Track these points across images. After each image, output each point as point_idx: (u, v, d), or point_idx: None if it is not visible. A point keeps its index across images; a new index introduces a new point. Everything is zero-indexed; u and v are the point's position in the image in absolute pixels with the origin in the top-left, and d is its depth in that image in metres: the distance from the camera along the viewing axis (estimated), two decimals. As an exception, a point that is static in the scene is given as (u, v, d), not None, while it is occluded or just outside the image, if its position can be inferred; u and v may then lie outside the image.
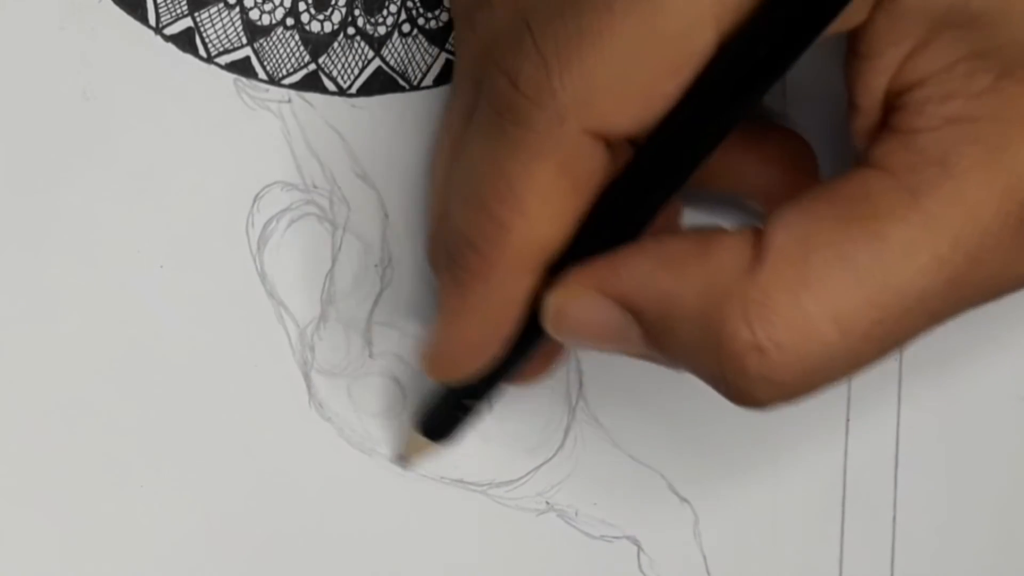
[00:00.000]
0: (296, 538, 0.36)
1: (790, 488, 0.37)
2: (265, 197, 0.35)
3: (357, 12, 0.35)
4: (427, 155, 0.36)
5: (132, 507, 0.35)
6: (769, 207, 0.33)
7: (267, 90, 0.35)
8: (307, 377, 0.36)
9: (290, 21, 0.35)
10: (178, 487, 0.35)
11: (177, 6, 0.35)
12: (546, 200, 0.28)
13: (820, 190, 0.28)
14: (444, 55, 0.35)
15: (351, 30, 0.35)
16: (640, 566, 0.37)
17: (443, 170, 0.32)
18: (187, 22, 0.35)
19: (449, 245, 0.30)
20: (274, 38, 0.35)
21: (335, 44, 0.35)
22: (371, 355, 0.36)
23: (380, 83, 0.35)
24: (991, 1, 0.27)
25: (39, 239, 0.35)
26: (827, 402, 0.35)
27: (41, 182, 0.35)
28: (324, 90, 0.35)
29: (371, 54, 0.35)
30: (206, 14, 0.35)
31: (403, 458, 0.36)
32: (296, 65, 0.35)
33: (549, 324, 0.30)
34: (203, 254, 0.35)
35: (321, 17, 0.35)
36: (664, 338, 0.28)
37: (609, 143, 0.28)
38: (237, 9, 0.35)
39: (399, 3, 0.35)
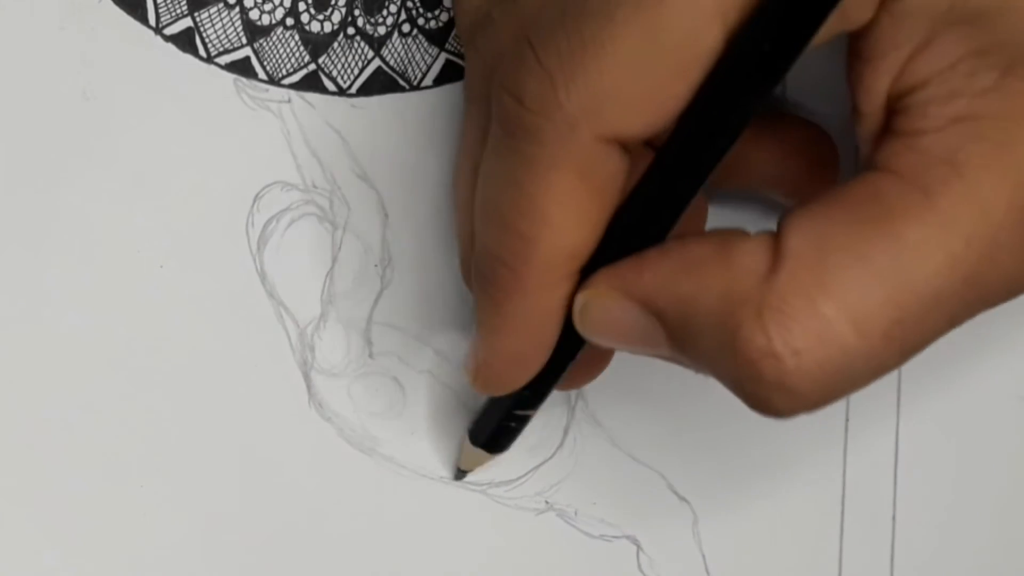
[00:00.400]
0: (296, 538, 0.36)
1: (790, 487, 0.37)
2: (265, 197, 0.35)
3: (357, 12, 0.35)
4: (428, 155, 0.36)
5: (132, 507, 0.35)
6: (794, 200, 0.33)
7: (267, 90, 0.35)
8: (307, 377, 0.36)
9: (290, 21, 0.35)
10: (178, 487, 0.35)
11: (177, 6, 0.35)
12: (568, 209, 0.28)
13: (832, 194, 0.28)
14: (444, 55, 0.35)
15: (351, 30, 0.35)
16: (639, 565, 0.37)
17: (464, 193, 0.32)
18: (187, 22, 0.35)
19: (480, 265, 0.30)
20: (274, 38, 0.35)
21: (335, 44, 0.35)
22: (371, 355, 0.36)
23: (380, 83, 0.35)
24: None
25: (39, 239, 0.35)
26: (827, 401, 0.35)
27: (41, 182, 0.35)
28: (324, 90, 0.35)
29: (371, 54, 0.35)
30: (206, 14, 0.35)
31: (461, 471, 0.36)
32: (296, 65, 0.35)
33: (577, 324, 0.30)
34: (203, 254, 0.35)
35: (321, 17, 0.35)
36: (686, 342, 0.28)
37: (625, 147, 0.28)
38: (237, 9, 0.35)
39: (399, 3, 0.35)
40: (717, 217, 0.35)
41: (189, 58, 0.35)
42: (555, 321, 0.30)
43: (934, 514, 0.37)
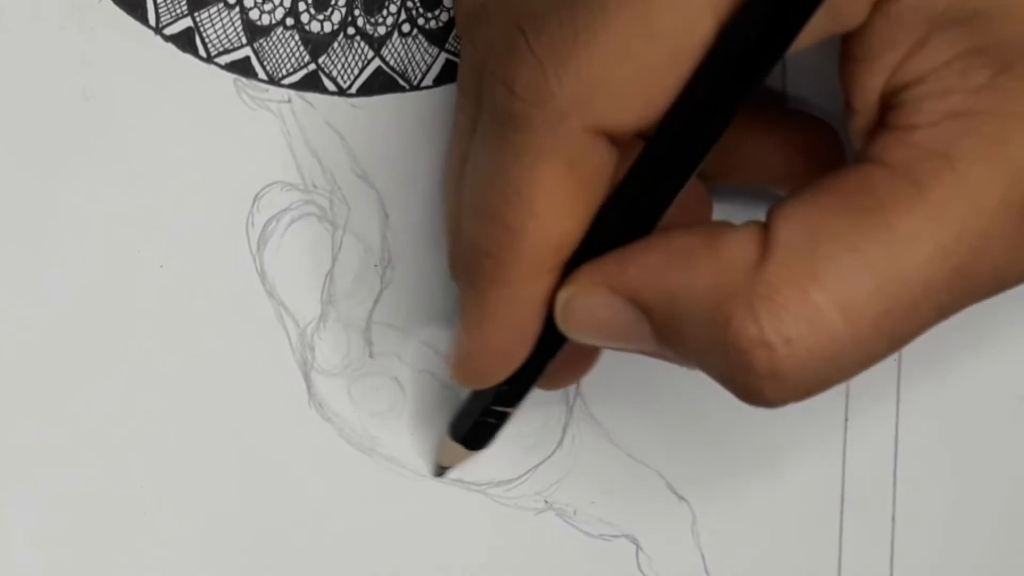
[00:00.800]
0: (296, 538, 0.36)
1: (789, 487, 0.37)
2: (265, 197, 0.35)
3: (357, 12, 0.35)
4: (428, 155, 0.36)
5: (132, 507, 0.35)
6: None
7: (267, 90, 0.35)
8: (307, 377, 0.36)
9: (290, 21, 0.35)
10: (178, 487, 0.35)
11: (177, 6, 0.35)
12: (555, 200, 0.28)
13: (821, 184, 0.28)
14: (444, 55, 0.35)
15: (351, 30, 0.35)
16: (639, 565, 0.37)
17: (454, 187, 0.32)
18: (187, 22, 0.35)
19: (464, 256, 0.30)
20: (274, 38, 0.35)
21: (335, 44, 0.35)
22: (371, 355, 0.36)
23: (380, 83, 0.35)
24: None
25: (39, 239, 0.35)
26: (826, 401, 0.35)
27: (41, 182, 0.35)
28: (324, 90, 0.35)
29: (371, 54, 0.35)
30: (206, 14, 0.35)
31: (441, 467, 0.36)
32: (296, 65, 0.35)
33: (559, 321, 0.30)
34: (203, 254, 0.35)
35: (321, 17, 0.35)
36: (673, 336, 0.28)
37: (614, 139, 0.28)
38: (237, 9, 0.35)
39: (399, 3, 0.35)
40: (722, 215, 0.35)
41: (189, 58, 0.35)
42: (538, 315, 0.30)
43: (934, 514, 0.37)
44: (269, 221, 0.35)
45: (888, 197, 0.27)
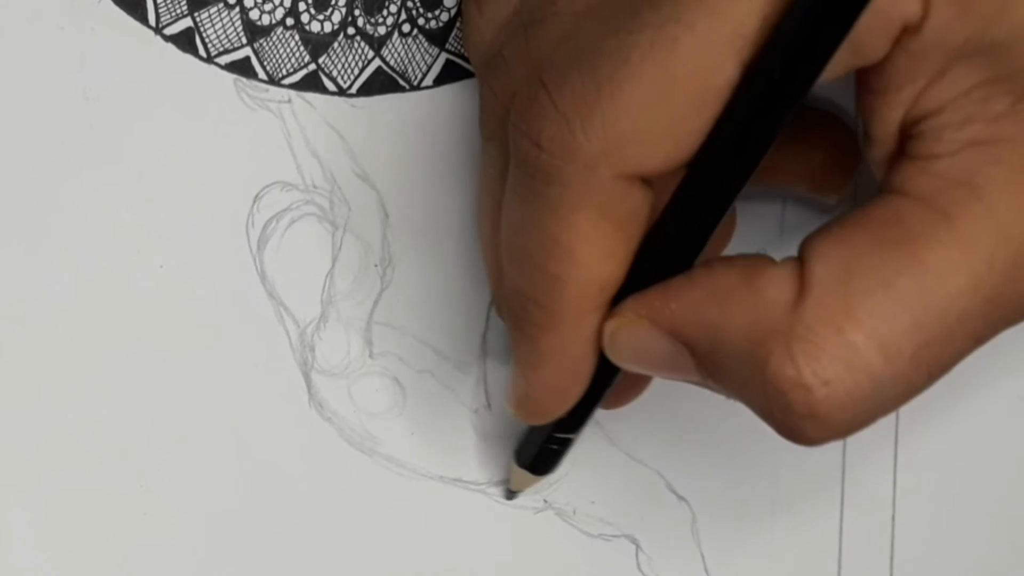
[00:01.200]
0: (296, 538, 0.36)
1: (788, 486, 0.37)
2: (265, 197, 0.35)
3: (357, 12, 0.35)
4: (428, 155, 0.36)
5: (132, 507, 0.35)
6: (817, 192, 0.34)
7: (267, 90, 0.35)
8: (307, 377, 0.36)
9: (290, 21, 0.35)
10: (178, 487, 0.35)
11: (177, 6, 0.35)
12: (593, 246, 0.28)
13: (851, 218, 0.28)
14: (444, 55, 0.35)
15: (351, 30, 0.35)
16: (638, 564, 0.37)
17: (488, 229, 0.32)
18: (187, 22, 0.35)
19: (510, 303, 0.30)
20: (274, 38, 0.35)
21: (335, 44, 0.35)
22: (371, 355, 0.36)
23: (380, 83, 0.35)
24: (1007, 30, 0.26)
25: (39, 239, 0.35)
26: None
27: (41, 182, 0.35)
28: (324, 90, 0.35)
29: (371, 54, 0.35)
30: (206, 14, 0.35)
31: (512, 492, 0.36)
32: (296, 65, 0.35)
33: (608, 351, 0.30)
34: (203, 254, 0.35)
35: (321, 17, 0.35)
36: (715, 370, 0.29)
37: (646, 180, 0.28)
38: (237, 9, 0.35)
39: (399, 3, 0.35)
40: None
41: (189, 58, 0.35)
42: (591, 351, 0.30)
43: (934, 514, 0.37)
44: (269, 221, 0.35)
45: (917, 229, 0.27)
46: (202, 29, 0.35)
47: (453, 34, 0.35)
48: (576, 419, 0.32)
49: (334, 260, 0.36)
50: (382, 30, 0.35)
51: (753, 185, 0.33)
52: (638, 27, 0.27)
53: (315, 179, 0.35)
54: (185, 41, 0.35)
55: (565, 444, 0.34)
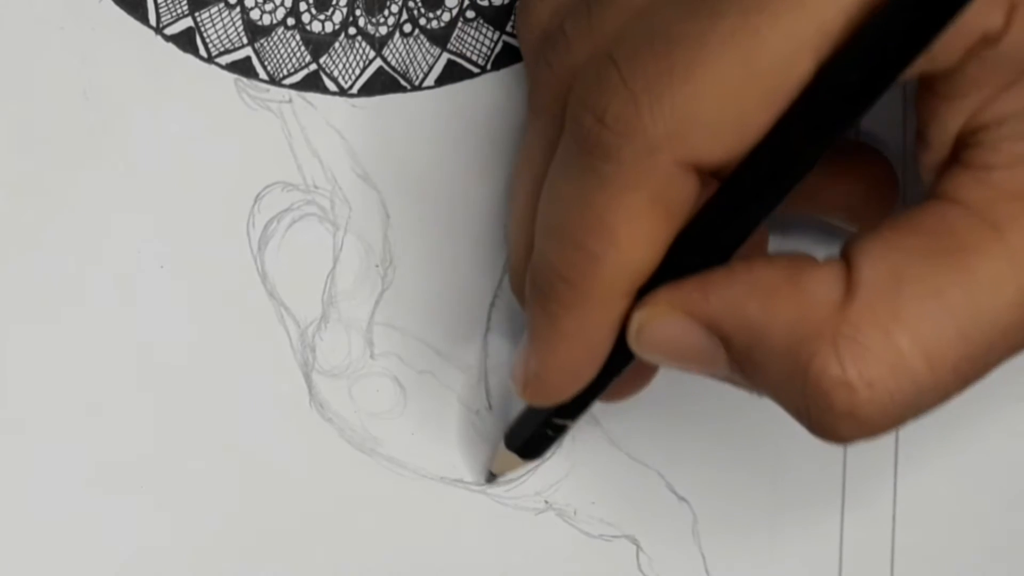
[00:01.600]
0: (296, 538, 0.36)
1: (789, 487, 0.37)
2: (266, 197, 0.35)
3: (358, 12, 0.35)
4: (429, 155, 0.36)
5: (132, 507, 0.35)
6: (853, 223, 0.34)
7: (268, 90, 0.35)
8: (308, 378, 0.36)
9: (291, 21, 0.35)
10: (178, 487, 0.35)
11: (177, 6, 0.35)
12: (638, 229, 0.28)
13: (900, 222, 0.28)
14: (446, 55, 0.35)
15: (352, 30, 0.35)
16: (639, 565, 0.37)
17: (523, 204, 0.32)
18: (187, 22, 0.35)
19: (539, 279, 0.30)
20: (275, 38, 0.35)
21: (336, 44, 0.35)
22: (372, 356, 0.36)
23: (381, 83, 0.35)
24: None
25: (39, 239, 0.35)
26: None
27: (41, 182, 0.35)
28: (325, 90, 0.35)
29: (372, 54, 0.35)
30: (206, 14, 0.35)
31: (493, 475, 0.36)
32: (297, 65, 0.35)
33: (632, 341, 0.30)
34: (203, 254, 0.35)
35: (322, 17, 0.35)
36: (750, 366, 0.28)
37: (700, 172, 0.28)
38: (238, 9, 0.35)
39: (400, 3, 0.35)
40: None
41: (190, 58, 0.35)
42: (610, 337, 0.30)
43: (934, 514, 0.37)
44: (270, 221, 0.35)
45: (968, 239, 0.27)
46: (203, 29, 0.35)
47: (454, 34, 0.35)
48: (577, 406, 0.32)
49: (335, 260, 0.36)
50: (383, 30, 0.35)
51: (791, 212, 0.33)
52: (720, 12, 0.26)
53: (316, 179, 0.35)
54: (186, 41, 0.35)
55: (560, 430, 0.34)
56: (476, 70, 0.35)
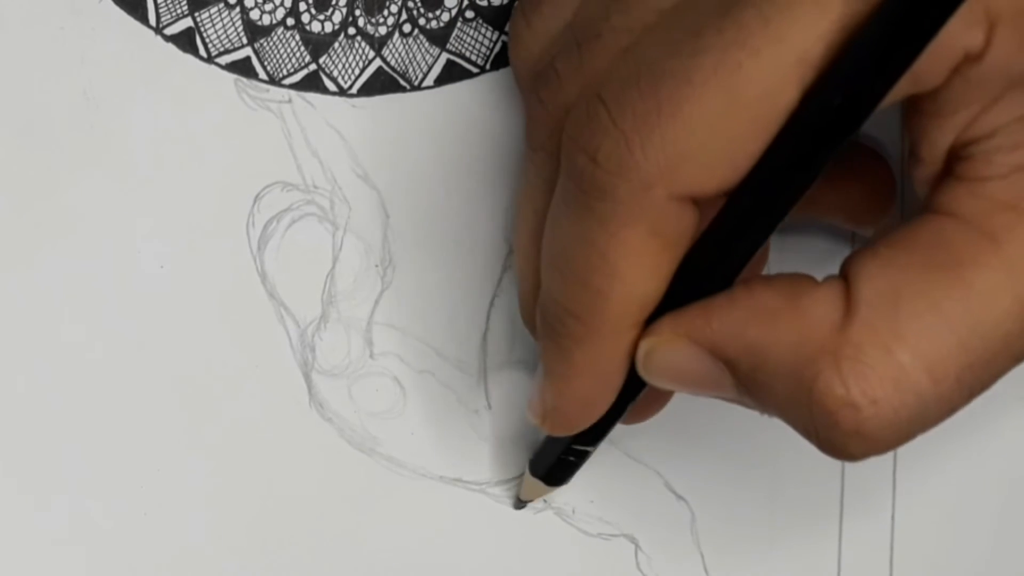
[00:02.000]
0: (296, 538, 0.36)
1: (788, 486, 0.37)
2: (266, 197, 0.35)
3: (358, 12, 0.35)
4: (429, 155, 0.36)
5: (132, 507, 0.35)
6: (853, 225, 0.34)
7: (267, 90, 0.35)
8: (307, 377, 0.36)
9: (291, 21, 0.35)
10: (178, 487, 0.35)
11: (177, 6, 0.35)
12: (639, 263, 0.28)
13: (896, 238, 0.28)
14: (445, 55, 0.35)
15: (352, 30, 0.35)
16: (638, 564, 0.37)
17: (527, 240, 0.32)
18: (187, 22, 0.35)
19: (547, 315, 0.30)
20: (275, 38, 0.35)
21: (336, 44, 0.35)
22: (372, 355, 0.36)
23: (381, 83, 0.35)
24: None
25: (39, 239, 0.35)
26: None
27: (41, 182, 0.35)
28: (325, 90, 0.35)
29: (372, 54, 0.35)
30: (206, 14, 0.35)
31: (521, 502, 0.36)
32: (297, 65, 0.35)
33: (640, 369, 0.30)
34: (203, 254, 0.35)
35: (322, 17, 0.35)
36: (756, 389, 0.29)
37: (697, 202, 0.28)
38: (237, 9, 0.35)
39: (400, 3, 0.35)
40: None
41: (189, 58, 0.35)
42: (622, 366, 0.30)
43: (934, 514, 0.37)
44: (270, 221, 0.35)
45: (964, 251, 0.27)
46: (202, 29, 0.35)
47: (454, 34, 0.35)
48: (597, 432, 0.33)
49: (334, 260, 0.36)
50: (383, 30, 0.35)
51: (790, 217, 0.33)
52: (702, 50, 0.26)
53: (316, 179, 0.35)
54: (185, 41, 0.35)
55: (582, 456, 0.34)
56: (475, 70, 0.35)
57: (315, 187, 0.35)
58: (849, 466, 0.37)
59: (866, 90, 0.26)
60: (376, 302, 0.36)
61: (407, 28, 0.35)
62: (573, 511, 0.37)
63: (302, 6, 0.35)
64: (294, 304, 0.35)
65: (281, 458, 0.36)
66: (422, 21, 0.35)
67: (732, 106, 0.26)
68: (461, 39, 0.35)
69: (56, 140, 0.35)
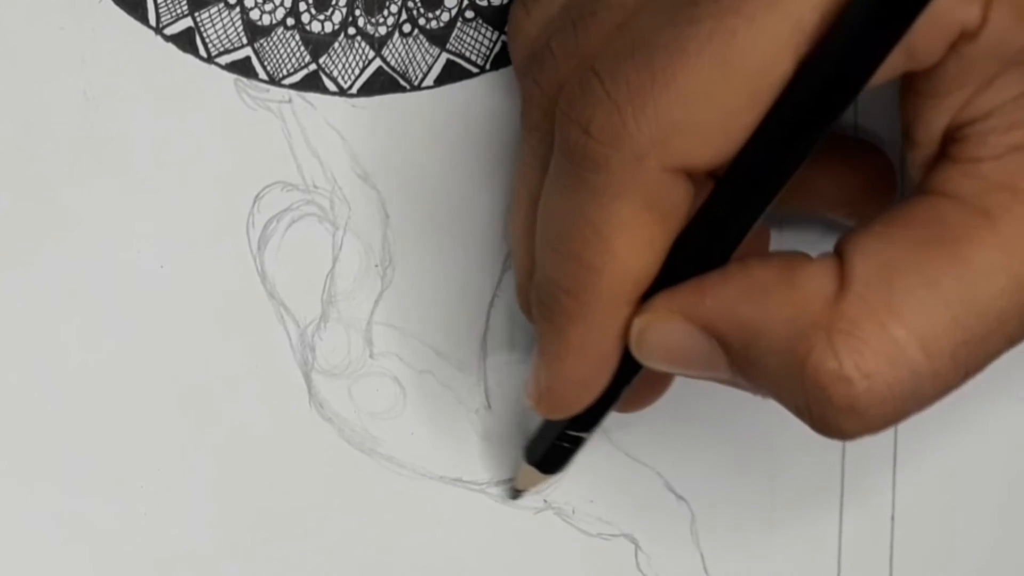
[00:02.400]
0: (296, 538, 0.36)
1: (788, 486, 0.37)
2: (266, 197, 0.35)
3: (358, 12, 0.35)
4: (429, 155, 0.36)
5: (132, 507, 0.35)
6: (853, 218, 0.34)
7: (267, 90, 0.35)
8: (307, 377, 0.36)
9: (290, 21, 0.35)
10: (178, 487, 0.35)
11: (177, 6, 0.35)
12: (633, 237, 0.28)
13: (891, 216, 0.28)
14: (445, 55, 0.35)
15: (352, 30, 0.35)
16: (638, 564, 0.37)
17: (522, 222, 0.32)
18: (187, 22, 0.35)
19: (542, 293, 0.30)
20: (274, 38, 0.35)
21: (336, 44, 0.35)
22: (372, 355, 0.36)
23: (381, 83, 0.35)
24: None
25: (39, 239, 0.35)
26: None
27: (41, 182, 0.35)
28: (325, 90, 0.35)
29: (372, 54, 0.35)
30: (206, 14, 0.35)
31: (516, 490, 0.36)
32: (296, 65, 0.35)
33: (634, 348, 0.30)
34: (203, 254, 0.35)
35: (322, 17, 0.35)
36: (749, 366, 0.29)
37: (691, 175, 0.28)
38: (237, 9, 0.35)
39: (400, 3, 0.35)
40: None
41: (189, 58, 0.35)
42: (617, 345, 0.30)
43: (934, 514, 0.37)
44: (270, 221, 0.35)
45: (960, 229, 0.27)
46: (202, 29, 0.35)
47: (454, 34, 0.35)
48: (591, 417, 0.32)
49: (334, 260, 0.36)
50: (383, 30, 0.35)
51: (791, 210, 0.33)
52: (696, 18, 0.26)
53: (315, 179, 0.35)
54: (185, 41, 0.35)
55: (577, 443, 0.34)
56: (475, 70, 0.35)
57: (315, 187, 0.35)
58: (849, 465, 0.37)
59: (862, 59, 0.26)
60: (376, 302, 0.36)
61: (407, 28, 0.35)
62: (573, 511, 0.37)
63: (302, 6, 0.35)
64: (294, 304, 0.35)
65: (281, 458, 0.36)
66: (422, 21, 0.35)
67: (727, 75, 0.26)
68: (461, 39, 0.35)
69: (56, 140, 0.35)
